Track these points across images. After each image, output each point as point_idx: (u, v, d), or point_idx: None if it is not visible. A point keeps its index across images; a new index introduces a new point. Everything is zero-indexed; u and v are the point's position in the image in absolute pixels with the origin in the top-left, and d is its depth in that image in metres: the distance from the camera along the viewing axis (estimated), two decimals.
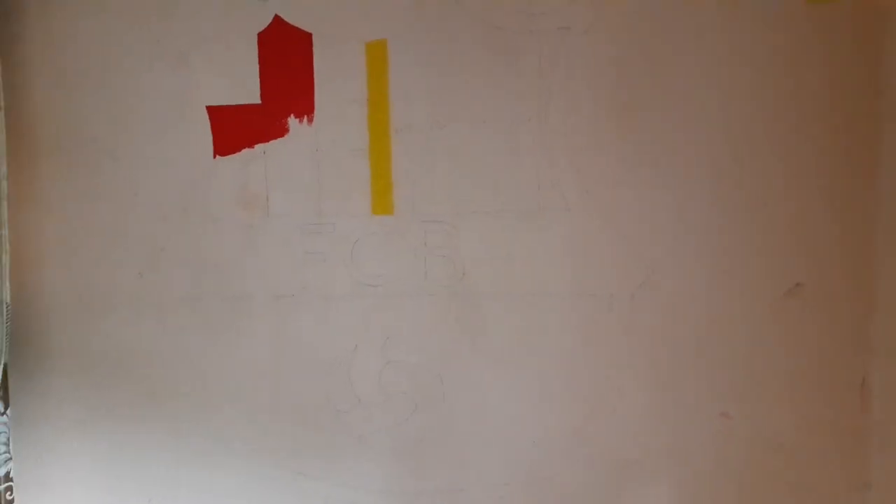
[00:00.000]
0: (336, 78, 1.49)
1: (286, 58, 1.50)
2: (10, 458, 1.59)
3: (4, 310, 1.54)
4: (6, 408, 1.58)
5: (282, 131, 1.52)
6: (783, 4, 1.36)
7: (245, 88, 1.52)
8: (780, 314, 1.41)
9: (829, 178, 1.38)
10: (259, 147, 1.53)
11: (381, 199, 1.50)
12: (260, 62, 1.51)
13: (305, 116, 1.51)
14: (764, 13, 1.37)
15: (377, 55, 1.47)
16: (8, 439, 1.58)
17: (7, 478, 1.58)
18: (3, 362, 1.55)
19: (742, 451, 1.45)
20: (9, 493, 1.59)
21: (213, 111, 1.54)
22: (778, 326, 1.41)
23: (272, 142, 1.53)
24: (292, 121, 1.52)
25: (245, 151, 1.54)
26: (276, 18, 1.50)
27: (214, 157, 1.55)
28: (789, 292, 1.41)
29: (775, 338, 1.42)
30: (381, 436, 1.56)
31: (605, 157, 1.43)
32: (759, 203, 1.40)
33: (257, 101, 1.52)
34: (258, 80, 1.52)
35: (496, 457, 1.53)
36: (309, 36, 1.49)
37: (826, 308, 1.40)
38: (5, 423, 1.57)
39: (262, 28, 1.50)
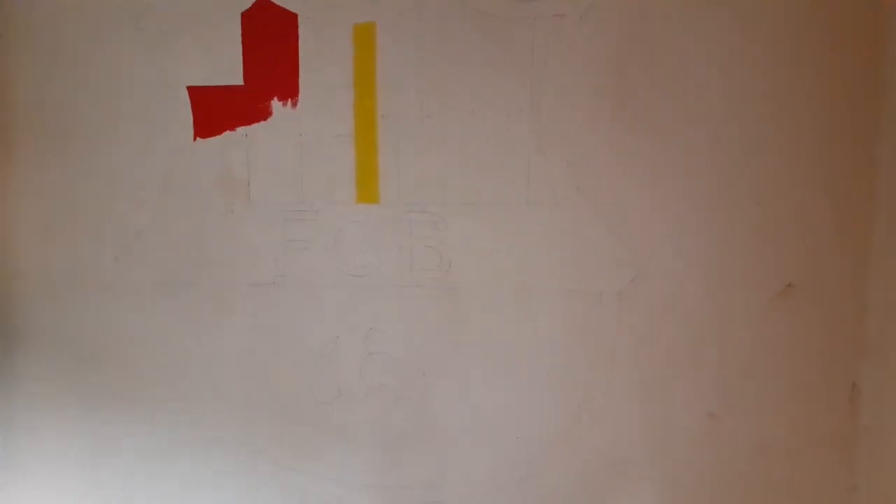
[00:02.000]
0: (322, 61, 1.44)
1: (270, 38, 1.45)
2: None
3: None
4: None
5: (265, 114, 1.47)
6: None
7: (227, 69, 1.47)
8: (772, 315, 1.39)
9: (825, 178, 1.35)
10: (241, 130, 1.48)
11: (366, 188, 1.46)
12: (243, 42, 1.46)
13: (289, 100, 1.46)
14: (765, 5, 1.33)
15: (365, 38, 1.42)
16: None
17: None
18: None
19: (729, 452, 1.43)
20: None
21: (193, 92, 1.49)
22: (768, 328, 1.39)
23: (254, 125, 1.48)
24: (276, 104, 1.47)
25: (226, 134, 1.49)
26: None
27: (194, 139, 1.50)
28: (781, 293, 1.38)
29: (765, 339, 1.39)
30: (362, 428, 1.53)
31: (598, 152, 1.39)
32: (753, 202, 1.37)
33: (240, 82, 1.47)
34: (241, 60, 1.47)
35: (479, 453, 1.50)
36: (294, 16, 1.44)
37: (818, 310, 1.38)
38: None
39: (246, 7, 1.45)
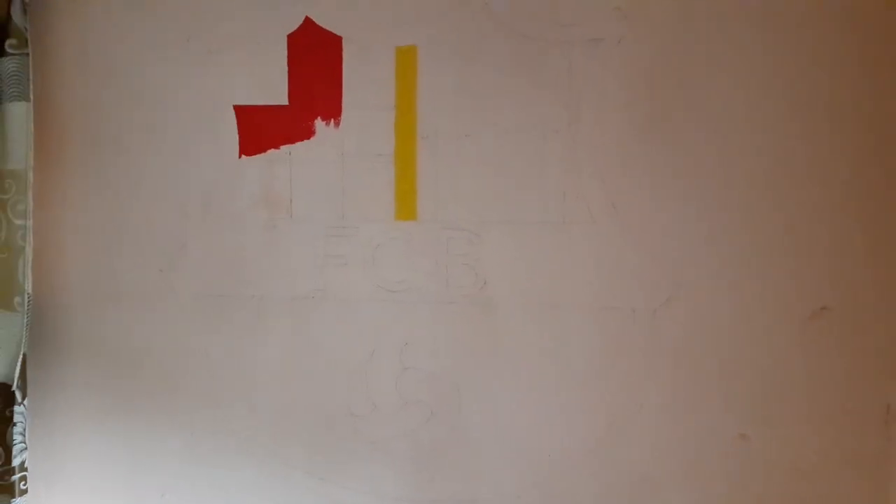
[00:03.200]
0: (364, 82, 1.49)
1: (315, 60, 1.50)
2: (26, 448, 1.59)
3: (26, 300, 1.55)
4: (24, 398, 1.58)
5: (308, 133, 1.52)
6: (818, 20, 1.34)
7: (273, 89, 1.52)
8: (805, 337, 1.39)
9: (862, 201, 1.36)
10: (285, 148, 1.53)
11: (405, 205, 1.49)
12: (289, 63, 1.51)
13: (332, 119, 1.51)
14: (798, 27, 1.35)
15: (407, 61, 1.46)
16: (24, 429, 1.58)
17: (22, 467, 1.58)
18: (22, 353, 1.55)
19: (760, 474, 1.43)
20: (23, 482, 1.59)
21: (240, 111, 1.54)
22: (802, 349, 1.39)
23: (298, 144, 1.52)
24: (319, 123, 1.51)
25: (270, 152, 1.53)
26: (307, 20, 1.49)
27: (240, 156, 1.55)
28: (815, 315, 1.39)
29: (799, 361, 1.40)
30: (395, 442, 1.55)
31: (633, 171, 1.42)
32: (788, 223, 1.38)
33: (285, 102, 1.52)
34: (286, 81, 1.52)
35: (511, 468, 1.51)
36: (339, 39, 1.49)
37: (852, 333, 1.38)
38: (22, 413, 1.58)
39: (292, 29, 1.50)
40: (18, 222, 1.54)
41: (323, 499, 1.58)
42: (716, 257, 1.41)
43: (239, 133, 1.54)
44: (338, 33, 1.49)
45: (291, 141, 1.52)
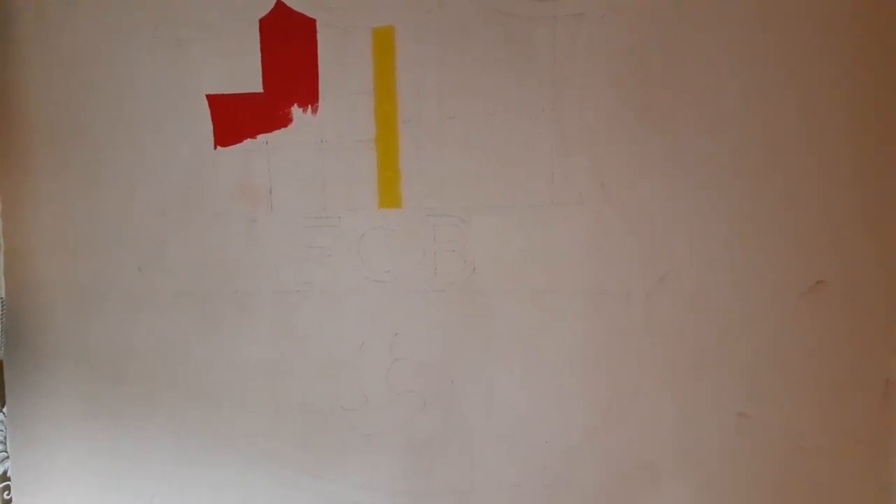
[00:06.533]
0: (341, 66, 1.43)
1: (289, 45, 1.44)
2: (8, 457, 1.56)
3: (0, 305, 1.50)
4: (2, 405, 1.54)
5: (285, 121, 1.47)
6: None
7: (246, 76, 1.46)
8: (802, 313, 1.37)
9: (855, 172, 1.33)
10: (261, 137, 1.48)
11: (389, 193, 1.45)
12: (262, 49, 1.45)
13: (310, 106, 1.46)
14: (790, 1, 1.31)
15: (384, 42, 1.41)
16: (5, 437, 1.55)
17: (4, 477, 1.55)
18: None
19: (761, 452, 1.41)
20: (6, 492, 1.56)
21: (213, 100, 1.48)
22: (799, 325, 1.37)
23: (275, 132, 1.47)
24: (296, 110, 1.46)
25: (247, 142, 1.48)
26: (279, 3, 1.44)
27: (215, 147, 1.50)
28: (811, 290, 1.36)
29: (796, 337, 1.37)
30: (388, 435, 1.52)
31: (622, 150, 1.38)
32: (781, 198, 1.35)
33: (259, 89, 1.47)
34: (260, 67, 1.46)
35: (507, 457, 1.49)
36: (313, 22, 1.43)
37: (849, 307, 1.35)
38: (2, 421, 1.54)
39: (263, 13, 1.44)
40: None
41: (317, 496, 1.56)
42: (708, 234, 1.38)
43: (213, 123, 1.49)
44: (311, 16, 1.43)
45: (268, 130, 1.47)
